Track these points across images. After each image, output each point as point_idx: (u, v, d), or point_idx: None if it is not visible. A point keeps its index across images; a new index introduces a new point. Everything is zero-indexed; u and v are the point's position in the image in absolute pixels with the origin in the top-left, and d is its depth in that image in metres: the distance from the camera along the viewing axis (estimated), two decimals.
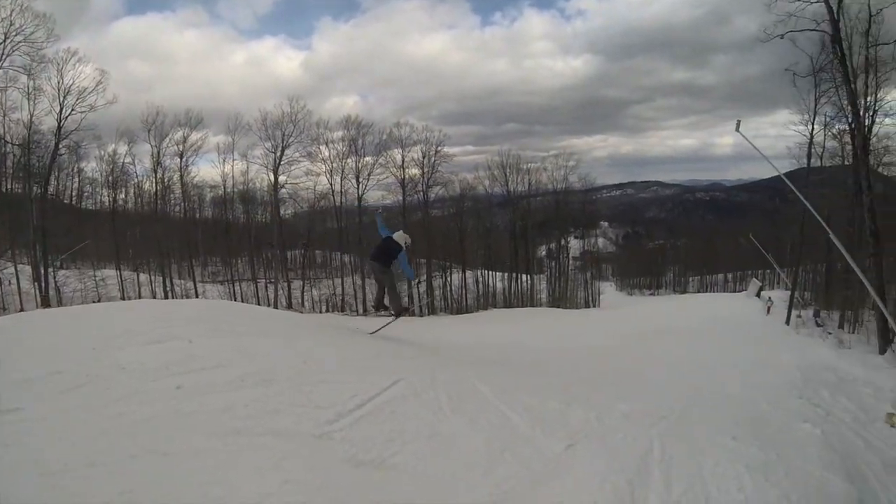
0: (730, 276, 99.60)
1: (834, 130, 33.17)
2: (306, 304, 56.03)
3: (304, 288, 57.25)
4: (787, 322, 32.80)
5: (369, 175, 58.61)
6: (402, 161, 59.12)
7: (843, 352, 22.36)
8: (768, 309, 38.98)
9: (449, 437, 7.74)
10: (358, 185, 58.26)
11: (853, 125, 25.28)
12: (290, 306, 53.72)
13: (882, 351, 21.12)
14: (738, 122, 18.90)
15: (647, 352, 23.88)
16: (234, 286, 55.14)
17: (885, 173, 34.65)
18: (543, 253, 75.98)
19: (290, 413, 7.27)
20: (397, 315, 16.16)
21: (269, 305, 51.78)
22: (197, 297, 50.10)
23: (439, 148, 59.72)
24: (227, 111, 55.16)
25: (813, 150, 34.33)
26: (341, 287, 57.27)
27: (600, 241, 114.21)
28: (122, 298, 46.09)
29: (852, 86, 23.63)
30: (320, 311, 54.21)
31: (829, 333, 27.45)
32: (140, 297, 48.20)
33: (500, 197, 66.79)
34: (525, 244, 67.53)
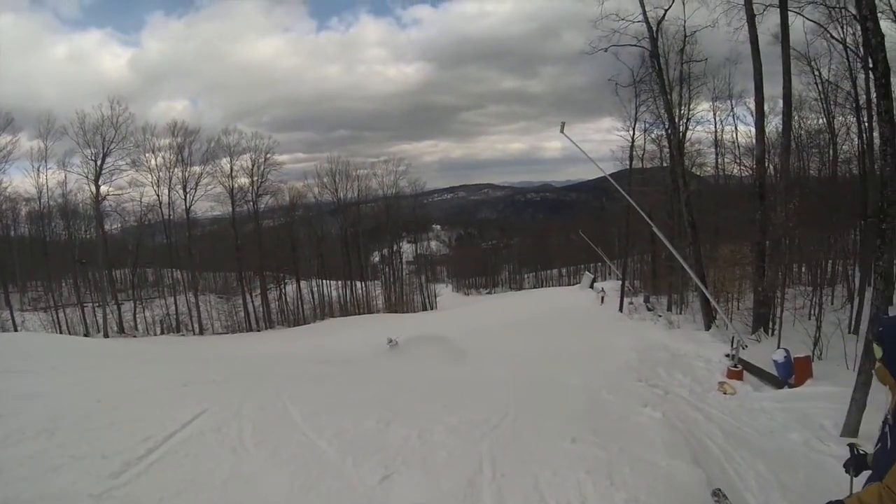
0: (563, 270, 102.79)
1: (653, 135, 36.65)
2: (139, 326, 52.46)
3: (135, 310, 53.62)
4: (621, 309, 34.40)
5: (197, 185, 55.41)
6: (231, 170, 56.84)
7: (674, 331, 23.39)
8: (602, 299, 40.35)
9: (248, 478, 7.25)
10: (186, 196, 54.92)
11: (669, 131, 27.07)
12: (122, 331, 50.28)
13: (707, 327, 22.36)
14: (563, 123, 19.47)
15: (484, 350, 23.98)
16: (57, 313, 49.41)
17: (698, 173, 38.90)
18: (377, 259, 76.31)
19: (71, 468, 6.69)
20: None
21: (98, 331, 48.74)
22: (15, 327, 45.17)
23: (269, 155, 58.08)
24: (46, 113, 46.50)
25: (634, 152, 36.90)
26: (174, 306, 54.34)
27: (433, 243, 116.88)
28: None
29: (668, 96, 25.67)
30: (154, 334, 50.91)
31: (660, 316, 28.75)
32: None
33: (331, 204, 66.61)
34: (358, 251, 67.72)
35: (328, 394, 12.48)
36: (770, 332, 19.12)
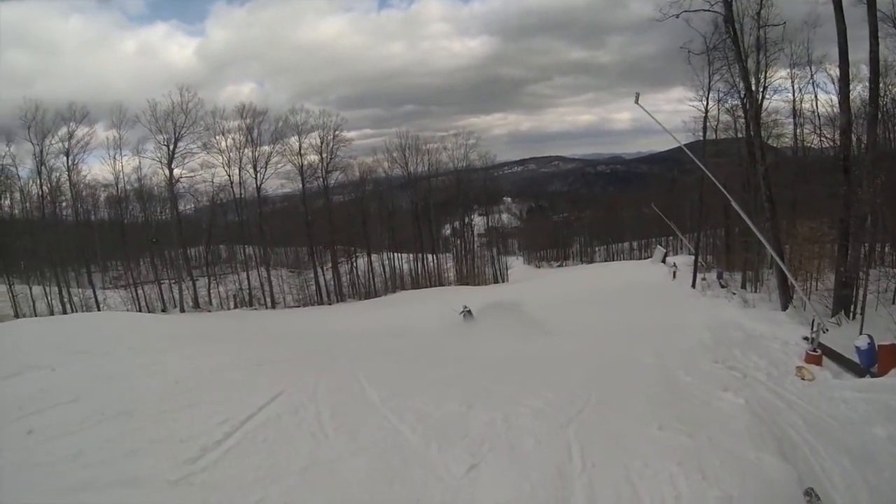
0: (634, 243, 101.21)
1: (727, 105, 35.16)
2: (213, 301, 53.85)
3: (209, 285, 54.98)
4: (693, 285, 33.38)
5: (267, 164, 55.93)
6: (300, 148, 56.98)
7: (749, 310, 22.66)
8: (674, 274, 39.61)
9: (327, 465, 7.08)
10: (256, 175, 55.60)
11: (746, 100, 26.43)
12: (196, 305, 51.81)
13: (784, 307, 21.57)
14: (637, 94, 18.84)
15: (557, 324, 23.78)
16: (136, 290, 51.97)
17: (775, 144, 37.38)
18: (448, 232, 75.87)
19: (149, 453, 6.66)
20: None
21: (175, 307, 50.40)
22: (97, 305, 47.73)
23: (337, 132, 57.85)
24: (118, 106, 48.31)
25: (708, 123, 35.68)
26: (247, 281, 55.31)
27: (504, 216, 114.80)
28: (16, 315, 43.74)
29: (744, 63, 24.31)
30: (228, 308, 52.20)
31: (734, 294, 27.92)
32: (35, 311, 45.52)
33: (401, 179, 65.96)
34: (429, 224, 67.11)
35: (404, 373, 12.46)
36: (852, 315, 18.40)
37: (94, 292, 50.27)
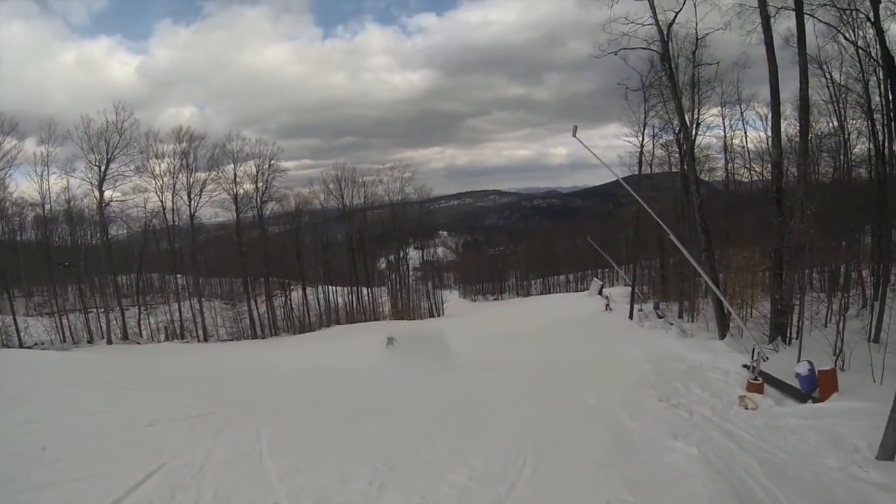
0: (571, 276, 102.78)
1: (661, 141, 36.10)
2: (143, 332, 51.95)
3: (139, 316, 52.90)
4: (631, 317, 33.78)
5: (201, 191, 54.56)
6: (235, 176, 56.14)
7: (687, 340, 23.07)
8: (607, 305, 39.91)
9: None
10: (190, 203, 54.11)
11: (681, 135, 27.91)
12: (125, 337, 49.68)
13: (721, 336, 21.88)
14: (575, 127, 18.97)
15: (492, 361, 23.57)
16: (60, 318, 48.53)
17: (707, 178, 38.71)
18: (384, 265, 75.73)
19: None
20: None
21: (102, 337, 48.22)
22: (18, 334, 44.49)
23: (273, 162, 57.31)
24: (49, 120, 45.38)
25: (643, 158, 36.22)
26: (178, 313, 53.55)
27: (440, 250, 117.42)
28: None
29: (679, 100, 25.17)
30: (158, 341, 50.34)
31: (671, 324, 28.36)
32: None
33: (337, 211, 65.81)
34: (364, 257, 67.34)
35: (316, 432, 11.56)
36: (788, 341, 18.63)
37: (15, 319, 45.15)
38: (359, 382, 20.41)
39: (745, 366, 15.71)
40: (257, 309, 55.29)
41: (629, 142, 35.68)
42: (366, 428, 11.70)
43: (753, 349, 14.64)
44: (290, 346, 39.63)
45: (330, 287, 63.77)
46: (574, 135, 19.04)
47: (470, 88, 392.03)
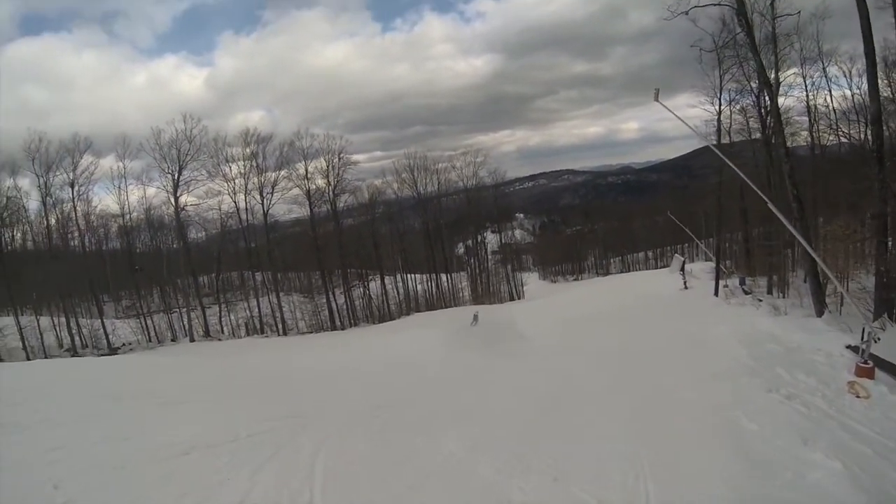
0: (650, 253, 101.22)
1: (739, 107, 33.46)
2: (225, 329, 53.16)
3: (220, 313, 54.23)
4: (716, 293, 32.27)
5: (273, 189, 55.47)
6: (306, 172, 56.47)
7: (780, 318, 21.38)
8: (684, 284, 38.91)
9: None
10: (263, 201, 55.06)
11: (765, 96, 25.84)
12: (207, 334, 51.25)
13: (819, 313, 20.32)
14: (657, 90, 17.76)
15: (577, 346, 22.73)
16: (145, 320, 51.59)
17: (790, 144, 34.68)
18: (462, 251, 75.28)
19: None
20: None
21: (184, 335, 49.96)
22: (106, 336, 47.39)
23: (342, 155, 57.38)
24: (123, 136, 47.80)
25: (721, 125, 33.99)
26: (258, 308, 54.38)
27: (517, 232, 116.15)
28: (23, 347, 43.42)
29: (759, 57, 23.04)
30: (239, 337, 51.61)
31: (760, 300, 26.64)
32: (43, 343, 45.11)
33: (412, 199, 65.39)
34: (441, 244, 66.82)
35: (383, 455, 10.34)
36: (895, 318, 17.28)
37: (103, 322, 49.21)
38: (434, 375, 19.97)
39: (849, 347, 14.60)
40: (335, 301, 55.31)
41: (705, 110, 33.75)
42: (445, 446, 10.72)
43: (864, 329, 13.30)
44: (365, 337, 39.41)
45: (408, 275, 63.54)
46: (656, 98, 17.92)
47: (534, 69, 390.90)
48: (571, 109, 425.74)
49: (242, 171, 55.01)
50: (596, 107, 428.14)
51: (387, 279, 60.89)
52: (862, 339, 13.27)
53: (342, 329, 52.88)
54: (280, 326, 53.11)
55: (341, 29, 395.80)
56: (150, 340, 49.33)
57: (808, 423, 10.18)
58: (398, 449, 10.77)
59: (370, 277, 60.94)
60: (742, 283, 32.36)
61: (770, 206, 16.40)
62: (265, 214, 55.28)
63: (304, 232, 59.95)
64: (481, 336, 28.15)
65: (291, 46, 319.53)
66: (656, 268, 78.83)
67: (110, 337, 47.79)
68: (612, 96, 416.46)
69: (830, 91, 35.76)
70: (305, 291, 59.94)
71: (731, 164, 19.39)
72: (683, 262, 50.05)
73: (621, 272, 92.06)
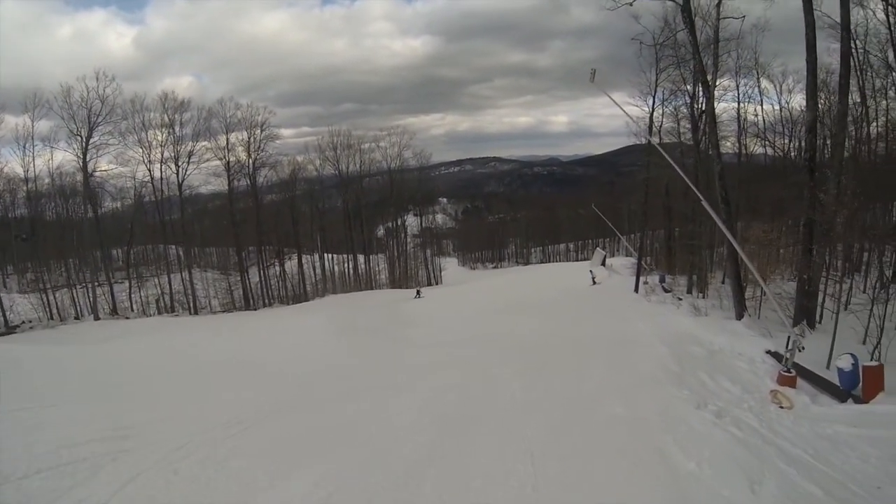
0: (571, 245, 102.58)
1: (671, 107, 34.14)
2: (134, 306, 50.49)
3: (130, 290, 51.09)
4: (636, 289, 32.29)
5: (189, 159, 52.62)
6: (227, 142, 54.13)
7: (701, 319, 21.30)
8: (593, 280, 39.46)
9: None
10: (178, 171, 52.19)
11: (695, 99, 27.02)
12: (115, 312, 48.32)
13: (739, 316, 20.16)
14: (594, 71, 17.23)
15: (493, 338, 22.08)
16: (47, 295, 46.09)
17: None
18: (381, 232, 74.43)
19: None
20: None
21: (90, 313, 46.86)
22: (3, 313, 42.57)
23: (265, 127, 55.31)
24: (41, 90, 42.66)
25: (653, 125, 34.61)
26: (169, 285, 51.86)
27: (439, 217, 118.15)
28: None
29: (700, 57, 22.86)
30: (149, 315, 49.04)
31: (680, 299, 26.68)
32: None
33: (334, 178, 64.56)
34: (361, 225, 66.11)
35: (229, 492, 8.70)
36: (814, 325, 17.08)
37: None
38: (325, 371, 19.25)
39: (769, 352, 14.65)
40: (249, 279, 54.03)
41: (638, 107, 33.98)
42: (293, 490, 8.74)
43: (789, 338, 13.03)
44: (270, 320, 38.86)
45: (326, 255, 62.84)
46: (592, 80, 17.41)
47: (472, 54, 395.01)
48: (504, 98, 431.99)
49: (159, 138, 51.86)
50: (529, 97, 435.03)
51: (305, 258, 59.76)
52: (786, 347, 13.01)
53: (255, 309, 51.49)
54: (191, 304, 51.20)
55: None
56: (51, 318, 45.39)
57: (747, 455, 9.06)
58: (250, 485, 8.95)
59: (287, 256, 59.67)
60: (662, 280, 32.57)
61: (704, 203, 16.09)
62: (179, 185, 52.71)
63: (223, 206, 57.78)
64: (389, 326, 27.32)
65: (228, 11, 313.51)
66: (577, 260, 79.85)
67: (7, 314, 43.32)
68: (546, 88, 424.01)
69: (762, 101, 37.05)
70: (221, 268, 58.08)
71: (670, 159, 19.42)
72: (605, 256, 50.37)
73: (542, 262, 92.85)
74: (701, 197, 16.24)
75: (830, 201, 16.88)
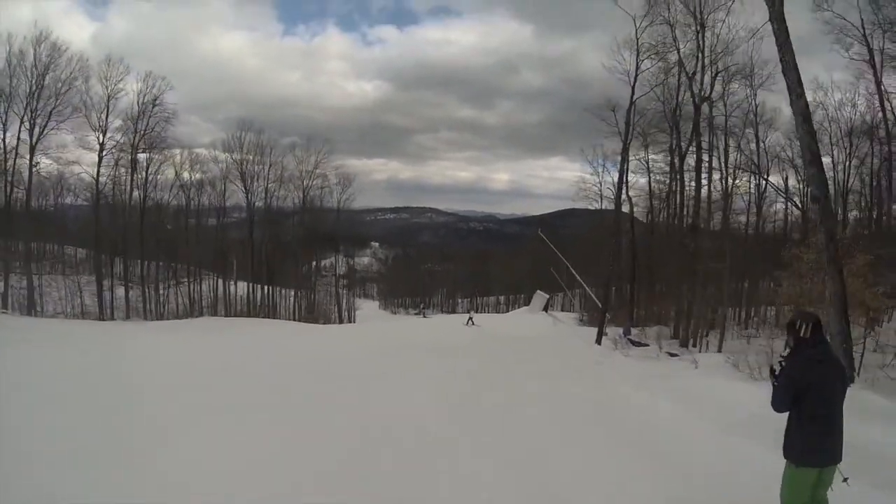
0: (502, 298, 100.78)
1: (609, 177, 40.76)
2: None
3: None
4: (598, 341, 27.62)
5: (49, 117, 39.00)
6: (107, 111, 41.38)
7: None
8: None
9: None
10: (31, 132, 38.60)
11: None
12: None
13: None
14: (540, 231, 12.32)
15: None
16: None
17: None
18: (306, 268, 68.47)
19: None
20: None
21: None
22: None
23: (157, 102, 43.20)
24: None
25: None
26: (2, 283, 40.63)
27: (366, 259, 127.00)
28: None
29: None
30: None
31: (675, 354, 21.57)
32: None
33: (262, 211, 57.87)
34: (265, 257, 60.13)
35: None
36: None
37: None
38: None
39: None
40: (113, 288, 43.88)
41: (578, 174, 35.34)
42: None
43: None
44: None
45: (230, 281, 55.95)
46: (540, 232, 12.73)
47: (421, 104, 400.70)
48: (448, 150, 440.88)
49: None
50: (472, 152, 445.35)
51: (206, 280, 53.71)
52: None
53: (112, 320, 41.09)
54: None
55: (244, 20, 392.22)
56: None
57: None
58: None
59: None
60: (627, 333, 28.24)
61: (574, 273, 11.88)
62: (32, 149, 38.90)
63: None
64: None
65: (189, 24, 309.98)
66: (507, 312, 75.84)
67: None
68: (490, 146, 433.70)
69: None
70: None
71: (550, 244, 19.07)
72: (547, 300, 43.98)
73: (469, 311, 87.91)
74: (569, 265, 14.56)
75: None
